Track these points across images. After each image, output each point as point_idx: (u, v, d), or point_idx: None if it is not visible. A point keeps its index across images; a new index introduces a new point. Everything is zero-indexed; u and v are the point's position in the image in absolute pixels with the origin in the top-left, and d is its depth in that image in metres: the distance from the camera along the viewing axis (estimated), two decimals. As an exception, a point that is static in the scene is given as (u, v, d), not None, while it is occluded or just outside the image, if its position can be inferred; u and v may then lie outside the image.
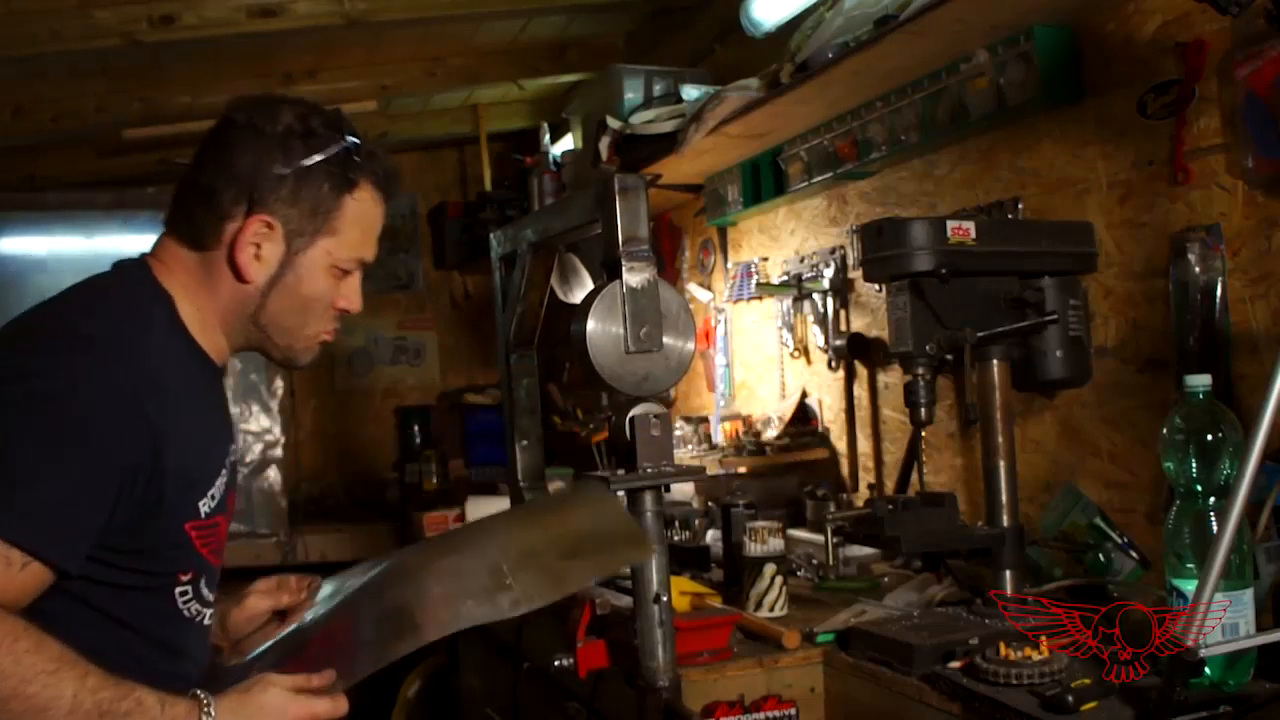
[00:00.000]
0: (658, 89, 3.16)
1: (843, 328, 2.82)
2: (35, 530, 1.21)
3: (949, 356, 1.87)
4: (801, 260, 2.98)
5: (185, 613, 1.39)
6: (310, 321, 1.44)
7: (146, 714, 1.23)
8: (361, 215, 1.41)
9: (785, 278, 3.02)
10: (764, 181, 3.01)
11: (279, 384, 4.65)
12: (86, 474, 1.24)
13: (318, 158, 1.37)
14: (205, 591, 1.41)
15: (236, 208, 1.37)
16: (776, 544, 2.11)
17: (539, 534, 1.52)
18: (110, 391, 1.25)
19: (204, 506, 1.36)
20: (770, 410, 3.13)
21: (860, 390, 2.79)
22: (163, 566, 1.35)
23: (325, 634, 1.49)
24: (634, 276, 1.57)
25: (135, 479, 1.27)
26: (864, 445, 2.78)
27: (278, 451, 4.46)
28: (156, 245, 1.46)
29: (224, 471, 1.42)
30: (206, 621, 1.44)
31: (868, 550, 2.36)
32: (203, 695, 1.28)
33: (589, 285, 1.92)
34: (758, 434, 3.05)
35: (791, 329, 3.02)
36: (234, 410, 4.58)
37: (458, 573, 1.43)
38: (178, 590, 1.37)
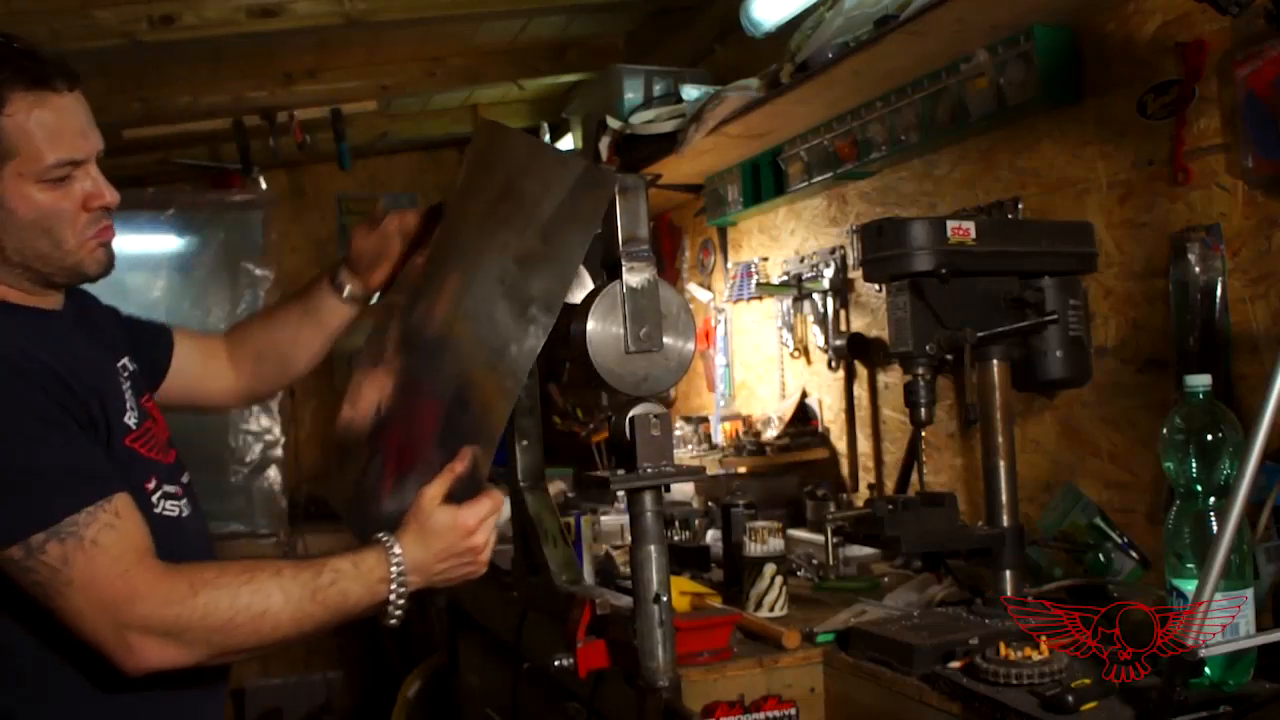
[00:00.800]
0: (658, 89, 3.16)
1: (843, 328, 2.82)
2: (81, 487, 1.27)
3: (949, 356, 1.86)
4: (801, 260, 2.98)
5: (167, 513, 1.44)
6: (63, 237, 1.38)
7: (345, 577, 1.33)
8: (32, 125, 1.33)
9: (785, 278, 3.02)
10: (764, 181, 3.01)
11: (279, 384, 4.64)
12: (59, 433, 1.29)
13: None
14: (170, 488, 1.46)
15: None
16: (776, 544, 2.11)
17: (516, 237, 1.51)
18: (15, 374, 1.29)
19: (129, 420, 1.41)
20: (770, 410, 3.13)
21: (860, 390, 2.79)
22: (132, 483, 1.39)
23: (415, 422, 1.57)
24: (634, 276, 1.57)
25: (73, 408, 1.32)
26: (864, 445, 2.78)
27: (278, 451, 4.46)
28: None
29: (125, 384, 1.46)
30: (185, 513, 1.48)
31: (868, 550, 2.36)
32: (385, 539, 1.38)
33: (589, 285, 1.91)
34: (758, 434, 3.05)
35: (791, 329, 3.02)
36: (234, 410, 4.60)
37: (491, 323, 1.48)
38: (152, 499, 1.42)
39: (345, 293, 1.75)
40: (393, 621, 1.39)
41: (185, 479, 1.52)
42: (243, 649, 1.31)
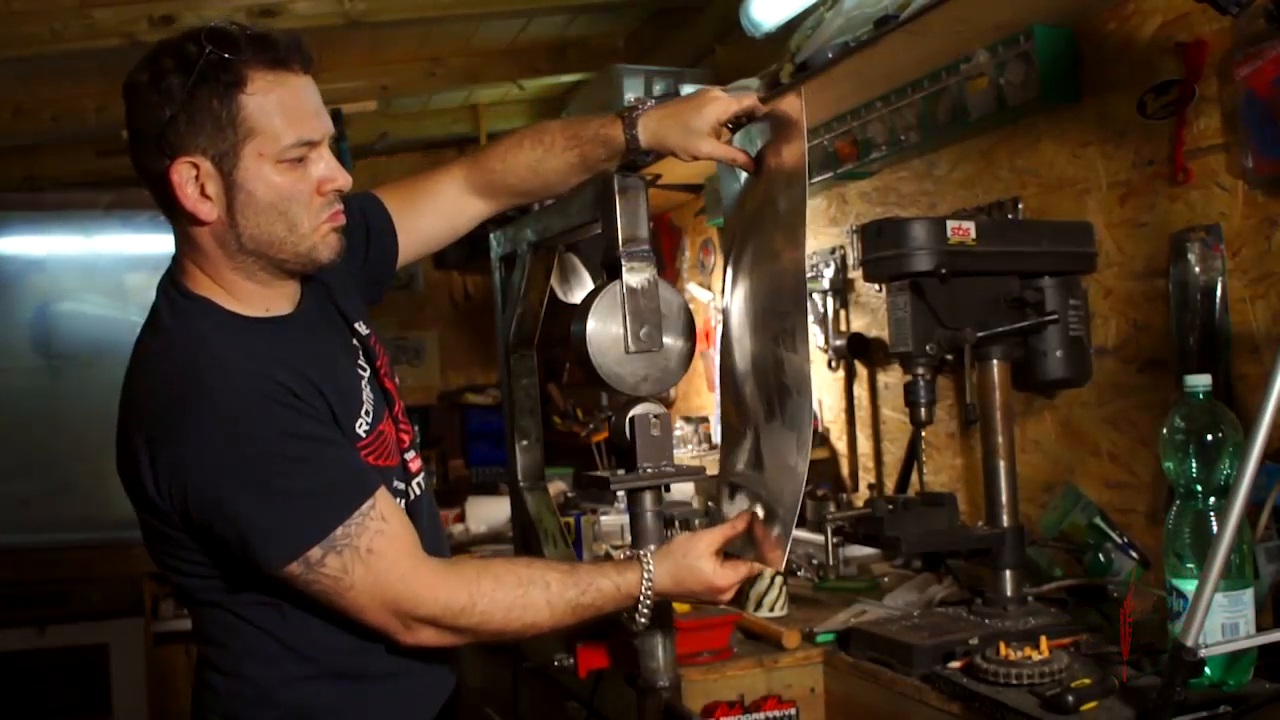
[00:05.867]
0: (658, 89, 3.16)
1: (843, 328, 2.82)
2: (342, 497, 1.32)
3: (949, 356, 1.87)
4: (801, 260, 2.98)
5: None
6: (299, 220, 1.38)
7: (606, 595, 1.42)
8: (271, 104, 1.34)
9: (785, 278, 3.02)
10: (764, 181, 3.01)
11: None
12: (312, 445, 1.33)
13: (191, 82, 1.32)
14: (399, 484, 1.48)
15: (159, 166, 1.35)
16: (776, 544, 2.10)
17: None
18: (259, 396, 1.31)
19: (361, 428, 1.43)
20: (770, 410, 3.12)
21: (860, 390, 2.79)
22: None
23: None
24: (634, 276, 1.57)
25: (319, 412, 1.36)
26: (864, 445, 2.78)
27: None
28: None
29: (364, 383, 1.48)
30: (414, 495, 1.52)
31: (868, 550, 2.36)
32: (644, 558, 1.45)
33: (589, 285, 1.91)
34: (758, 434, 3.05)
35: (791, 329, 3.01)
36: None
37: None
38: None
39: (635, 166, 1.66)
40: (642, 621, 1.46)
41: (419, 477, 1.54)
42: (504, 641, 1.45)
